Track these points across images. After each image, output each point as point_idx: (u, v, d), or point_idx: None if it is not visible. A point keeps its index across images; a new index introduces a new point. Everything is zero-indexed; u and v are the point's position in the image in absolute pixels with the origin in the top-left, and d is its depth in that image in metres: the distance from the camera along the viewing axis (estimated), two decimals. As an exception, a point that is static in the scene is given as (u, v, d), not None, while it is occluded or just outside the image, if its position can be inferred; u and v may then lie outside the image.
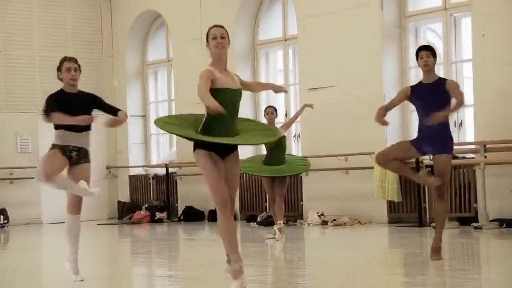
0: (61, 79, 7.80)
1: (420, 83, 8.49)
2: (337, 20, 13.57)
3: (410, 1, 13.21)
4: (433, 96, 8.16)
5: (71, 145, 7.69)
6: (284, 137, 11.20)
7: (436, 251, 8.12)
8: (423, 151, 8.37)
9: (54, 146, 7.74)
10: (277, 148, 11.01)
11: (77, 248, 7.73)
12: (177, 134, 6.67)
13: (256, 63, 15.47)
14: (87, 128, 7.76)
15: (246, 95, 6.91)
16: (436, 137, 8.13)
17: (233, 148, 6.45)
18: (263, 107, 15.33)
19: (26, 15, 16.91)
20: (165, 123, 6.81)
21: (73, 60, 7.87)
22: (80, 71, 7.91)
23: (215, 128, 6.26)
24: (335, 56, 13.59)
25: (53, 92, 7.80)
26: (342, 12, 13.50)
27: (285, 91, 7.45)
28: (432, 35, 14.12)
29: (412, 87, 8.61)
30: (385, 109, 8.59)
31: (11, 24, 16.72)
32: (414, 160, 11.33)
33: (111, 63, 17.71)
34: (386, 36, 13.16)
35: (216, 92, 6.21)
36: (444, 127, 8.23)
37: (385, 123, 8.59)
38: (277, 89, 7.21)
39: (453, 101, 8.18)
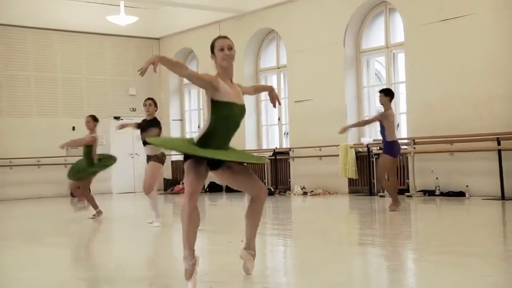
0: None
1: None
2: (314, 54, 13.62)
3: (363, 41, 13.24)
4: None
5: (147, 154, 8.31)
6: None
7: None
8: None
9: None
10: None
11: (159, 212, 8.30)
12: (177, 150, 4.53)
13: (258, 84, 15.51)
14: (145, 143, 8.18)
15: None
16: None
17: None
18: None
19: (102, 52, 17.01)
20: (163, 142, 5.11)
21: (150, 99, 8.42)
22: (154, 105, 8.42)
23: (213, 140, 4.24)
24: (312, 78, 13.64)
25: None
26: (317, 49, 13.55)
27: (279, 103, 4.79)
28: (378, 65, 14.18)
29: None
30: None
31: (92, 57, 16.81)
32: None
33: (159, 82, 17.78)
34: (347, 65, 13.20)
35: (222, 106, 4.22)
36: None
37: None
38: (271, 93, 4.73)
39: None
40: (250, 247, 4.50)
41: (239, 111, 4.31)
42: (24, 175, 15.56)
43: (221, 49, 4.29)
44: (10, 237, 7.96)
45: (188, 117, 17.93)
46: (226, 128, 4.28)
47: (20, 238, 7.72)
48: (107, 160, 9.92)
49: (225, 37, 4.37)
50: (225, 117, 4.23)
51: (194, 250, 4.20)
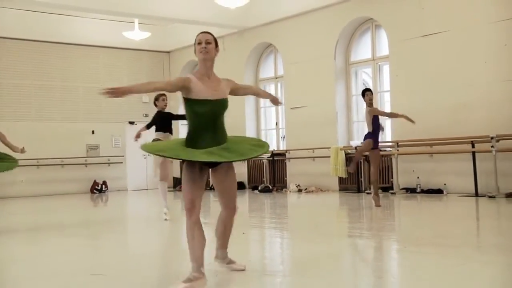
0: (156, 105, 8.79)
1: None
2: (308, 65, 13.63)
3: (352, 54, 13.26)
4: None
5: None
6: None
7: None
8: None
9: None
10: None
11: (166, 201, 8.17)
12: (164, 156, 4.01)
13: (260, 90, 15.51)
14: (169, 130, 8.43)
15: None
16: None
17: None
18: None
19: (118, 64, 17.03)
20: (152, 146, 4.17)
21: (166, 96, 8.67)
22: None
23: (198, 140, 3.81)
24: (306, 87, 13.65)
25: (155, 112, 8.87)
26: (311, 61, 13.56)
27: (279, 104, 4.48)
28: (366, 76, 14.19)
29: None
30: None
31: (109, 68, 16.84)
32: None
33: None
34: (337, 75, 13.21)
35: (193, 103, 3.80)
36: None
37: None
38: (273, 101, 4.45)
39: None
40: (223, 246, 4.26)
41: (212, 107, 3.81)
42: (49, 174, 15.62)
43: (199, 42, 3.93)
44: (41, 228, 7.96)
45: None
46: (205, 125, 3.81)
47: (47, 229, 7.73)
48: (5, 164, 7.41)
49: (206, 32, 4.00)
50: (198, 114, 3.79)
51: (201, 266, 3.75)
